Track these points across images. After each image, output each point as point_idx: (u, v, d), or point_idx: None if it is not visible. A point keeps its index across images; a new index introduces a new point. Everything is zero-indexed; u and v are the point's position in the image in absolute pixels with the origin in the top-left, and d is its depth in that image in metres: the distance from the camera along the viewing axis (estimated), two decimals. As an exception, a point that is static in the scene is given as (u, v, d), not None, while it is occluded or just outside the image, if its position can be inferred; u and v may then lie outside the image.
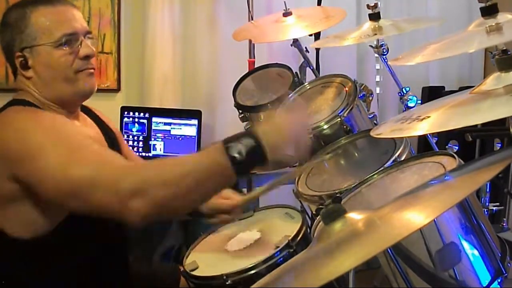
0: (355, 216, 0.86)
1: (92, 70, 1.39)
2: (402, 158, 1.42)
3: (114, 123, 1.61)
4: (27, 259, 1.29)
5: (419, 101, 1.75)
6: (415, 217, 0.78)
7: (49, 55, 1.33)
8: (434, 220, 1.05)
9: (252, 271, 1.29)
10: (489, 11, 1.15)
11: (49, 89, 1.36)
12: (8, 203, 1.27)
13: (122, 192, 1.09)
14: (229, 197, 1.49)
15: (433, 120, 1.03)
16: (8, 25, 1.35)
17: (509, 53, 1.08)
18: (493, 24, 1.12)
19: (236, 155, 1.08)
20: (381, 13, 1.77)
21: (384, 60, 1.85)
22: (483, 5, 1.15)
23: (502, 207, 1.80)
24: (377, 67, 3.04)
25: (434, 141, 1.79)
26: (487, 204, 1.74)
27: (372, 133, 1.22)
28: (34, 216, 1.26)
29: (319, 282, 0.67)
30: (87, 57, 1.37)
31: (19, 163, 1.22)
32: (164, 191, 1.10)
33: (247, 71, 2.24)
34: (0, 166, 1.24)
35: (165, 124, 2.55)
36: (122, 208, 1.09)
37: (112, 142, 1.52)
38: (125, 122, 2.56)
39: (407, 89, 1.77)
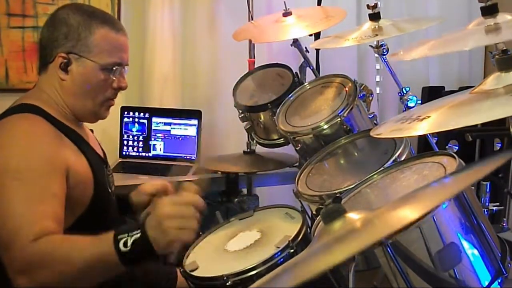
0: (354, 216, 0.86)
1: (113, 103, 1.48)
2: (402, 158, 1.42)
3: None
4: None
5: (419, 101, 1.75)
6: (408, 213, 0.80)
7: (93, 73, 1.38)
8: (434, 220, 1.05)
9: (253, 272, 1.28)
10: (489, 11, 1.15)
11: (74, 98, 1.41)
12: None
13: (14, 267, 1.14)
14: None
15: (433, 120, 1.03)
16: (67, 24, 1.38)
17: (509, 53, 1.08)
18: (492, 23, 1.12)
19: (122, 248, 1.12)
20: (381, 13, 1.77)
21: (384, 60, 1.85)
22: (483, 4, 1.15)
23: (502, 207, 1.79)
24: (377, 67, 3.04)
25: (434, 141, 1.79)
26: (487, 204, 1.74)
27: (372, 133, 1.22)
28: None
29: (312, 273, 0.69)
30: (119, 89, 1.44)
31: None
32: (50, 275, 1.12)
33: (247, 71, 2.24)
34: None
35: (165, 124, 2.55)
36: (14, 277, 1.14)
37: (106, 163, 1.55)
38: (125, 122, 2.56)
39: (407, 89, 1.77)
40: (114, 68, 1.40)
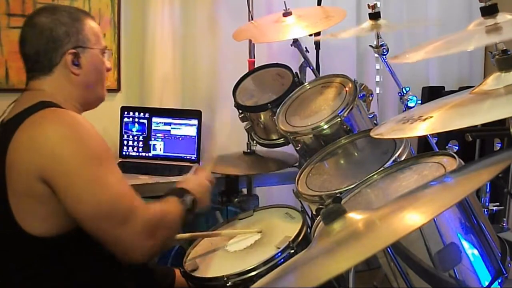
0: (355, 216, 0.86)
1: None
2: (402, 158, 1.42)
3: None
4: (45, 258, 1.29)
5: (419, 101, 1.76)
6: (414, 217, 0.78)
7: (98, 59, 1.47)
8: (434, 220, 1.05)
9: (253, 273, 1.29)
10: (489, 11, 1.15)
11: (88, 89, 1.47)
12: (39, 203, 1.27)
13: (140, 235, 1.28)
14: None
15: (435, 120, 1.03)
16: (62, 23, 1.40)
17: (509, 53, 1.08)
18: (492, 23, 1.12)
19: (188, 208, 1.44)
20: (381, 13, 1.78)
21: (384, 60, 1.85)
22: (483, 5, 1.15)
23: (502, 207, 1.80)
24: (377, 67, 3.04)
25: (434, 141, 1.79)
26: (487, 204, 1.74)
27: (372, 133, 1.22)
28: (59, 215, 1.27)
29: (317, 281, 0.68)
30: (109, 70, 1.53)
31: (57, 164, 1.25)
32: (166, 233, 1.37)
33: (247, 71, 2.24)
34: (33, 164, 1.25)
35: (165, 124, 2.55)
36: (136, 244, 1.29)
37: None
38: (125, 122, 2.56)
39: (407, 89, 1.77)
40: (106, 51, 1.50)
